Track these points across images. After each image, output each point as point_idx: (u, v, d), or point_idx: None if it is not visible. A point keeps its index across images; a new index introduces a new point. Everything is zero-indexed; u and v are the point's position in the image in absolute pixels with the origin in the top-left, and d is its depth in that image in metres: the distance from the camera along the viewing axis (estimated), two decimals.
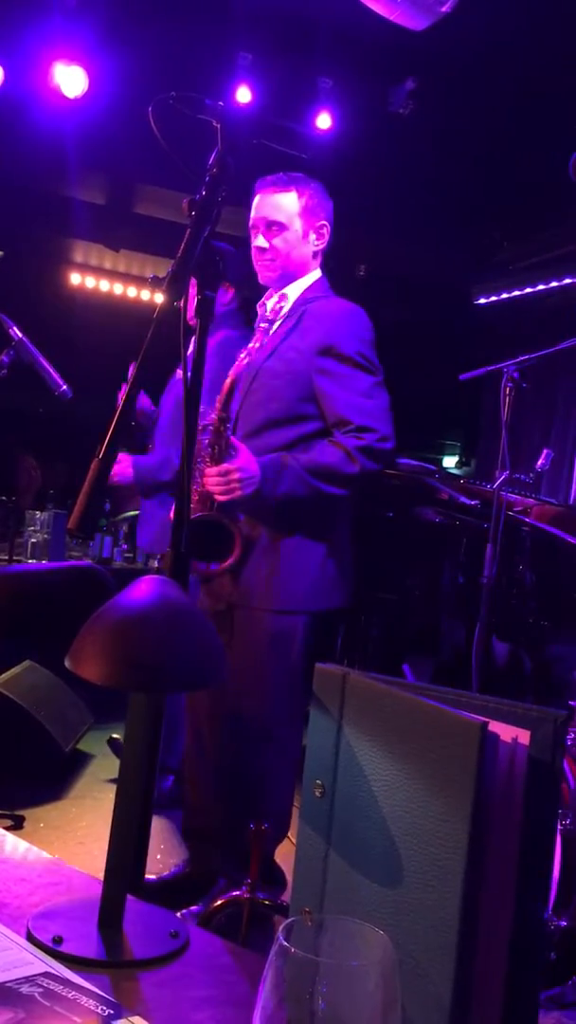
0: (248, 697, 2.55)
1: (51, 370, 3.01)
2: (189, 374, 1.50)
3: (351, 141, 5.07)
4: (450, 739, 0.76)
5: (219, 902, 1.92)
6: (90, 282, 7.18)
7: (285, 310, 2.67)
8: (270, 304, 2.71)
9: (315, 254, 2.72)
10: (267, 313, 2.70)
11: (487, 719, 0.75)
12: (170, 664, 0.87)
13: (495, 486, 3.72)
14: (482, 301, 6.05)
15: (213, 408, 2.41)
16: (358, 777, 0.86)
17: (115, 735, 3.88)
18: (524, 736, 0.77)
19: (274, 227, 2.64)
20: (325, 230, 2.71)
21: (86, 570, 1.15)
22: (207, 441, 2.42)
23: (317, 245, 2.70)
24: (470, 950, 0.74)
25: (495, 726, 0.76)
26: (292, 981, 0.75)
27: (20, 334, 2.97)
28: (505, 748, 0.76)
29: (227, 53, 4.99)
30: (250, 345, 2.59)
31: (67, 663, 0.90)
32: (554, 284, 5.65)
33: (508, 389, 3.73)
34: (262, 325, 2.69)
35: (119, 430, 1.45)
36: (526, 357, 3.71)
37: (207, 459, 2.41)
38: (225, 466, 2.37)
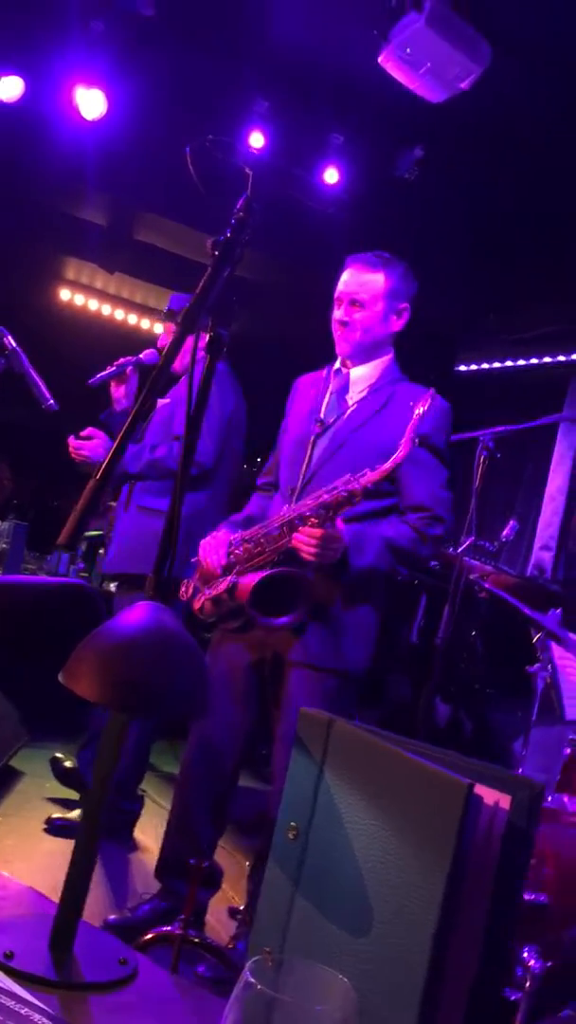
0: None
1: (41, 383, 3.03)
2: (193, 406, 1.52)
3: (354, 198, 5.17)
4: (435, 796, 0.78)
5: (149, 936, 1.91)
6: (79, 300, 7.20)
7: (363, 388, 2.79)
8: (356, 375, 2.81)
9: (392, 334, 2.83)
10: (346, 385, 2.82)
11: (472, 781, 0.78)
12: (162, 692, 0.88)
13: (460, 550, 3.77)
14: (462, 368, 6.17)
15: (361, 476, 2.44)
16: (335, 823, 0.88)
17: (58, 754, 3.82)
18: (505, 801, 0.79)
19: (356, 305, 2.75)
20: (405, 313, 2.82)
21: (78, 589, 1.15)
22: (329, 500, 2.45)
23: (396, 326, 2.81)
24: (433, 1005, 0.76)
25: (478, 788, 0.78)
26: (252, 1020, 0.76)
27: (14, 344, 2.98)
28: (487, 811, 0.78)
29: (245, 97, 5.09)
30: (324, 415, 2.75)
31: (61, 677, 0.91)
32: (534, 361, 5.78)
33: (483, 458, 3.81)
34: (346, 397, 2.80)
35: (118, 455, 1.46)
36: (503, 429, 3.79)
37: (313, 519, 2.46)
38: (330, 532, 2.45)
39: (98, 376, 3.73)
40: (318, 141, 5.15)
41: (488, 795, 0.78)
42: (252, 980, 0.78)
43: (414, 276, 2.86)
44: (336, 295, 2.80)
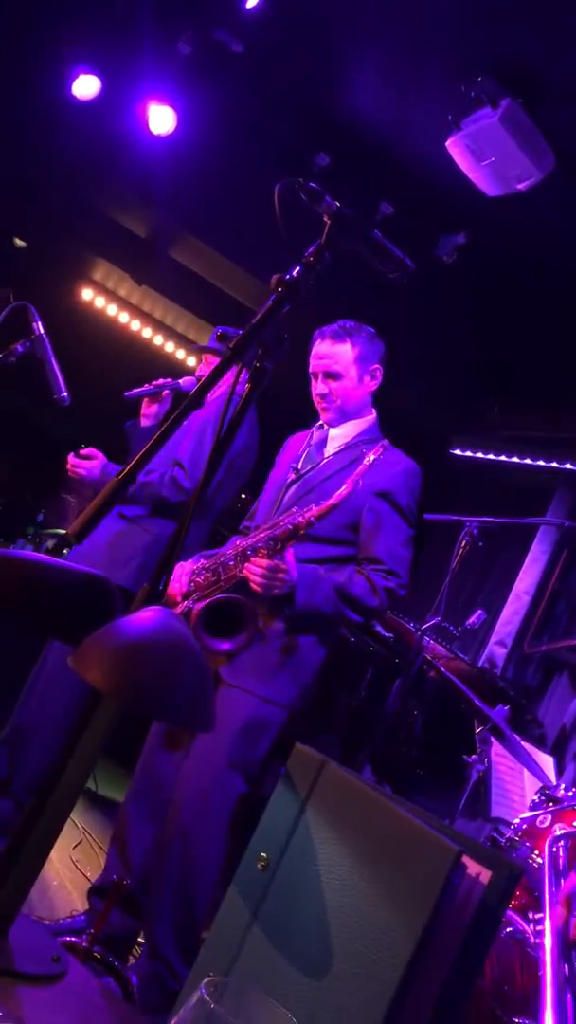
0: (209, 772, 2.58)
1: (59, 373, 3.04)
2: (224, 429, 1.55)
3: None
4: (421, 856, 0.79)
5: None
6: (100, 302, 7.23)
7: (339, 445, 2.94)
8: (334, 433, 2.97)
9: (369, 394, 3.00)
10: (325, 440, 2.97)
11: (461, 849, 0.79)
12: (174, 695, 0.89)
13: (423, 627, 3.81)
14: (457, 452, 6.26)
15: (307, 510, 2.55)
16: (308, 862, 0.88)
17: None
18: (485, 876, 0.81)
19: (331, 377, 2.92)
20: (378, 372, 2.98)
21: (100, 581, 1.14)
22: (277, 533, 2.55)
23: (371, 386, 2.98)
24: None
25: (464, 858, 0.80)
26: None
27: (42, 330, 3.00)
28: (467, 881, 0.80)
29: (308, 148, 5.19)
30: (300, 465, 2.92)
31: (70, 662, 0.92)
32: (528, 461, 5.88)
33: (464, 543, 3.87)
34: (322, 452, 2.94)
35: (141, 464, 1.49)
36: (491, 519, 3.86)
37: (263, 550, 2.55)
38: (276, 563, 2.53)
39: (135, 391, 3.81)
40: (369, 206, 5.26)
41: (472, 867, 0.80)
42: (207, 999, 0.78)
43: (379, 338, 3.02)
44: (311, 370, 2.98)
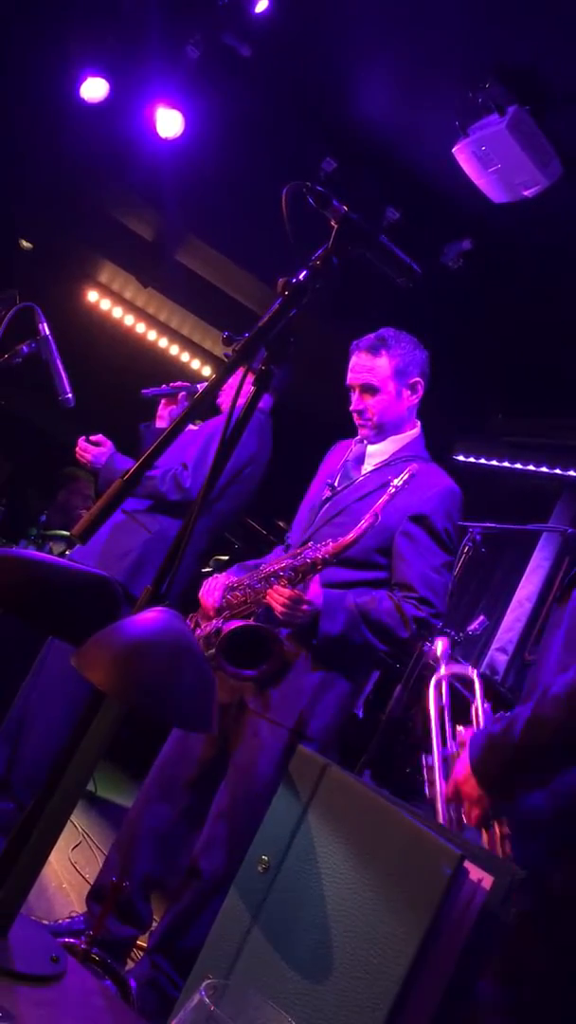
0: (239, 801, 2.56)
1: (63, 375, 3.05)
2: (229, 432, 1.55)
3: None
4: (424, 860, 0.79)
5: None
6: (105, 304, 7.23)
7: (377, 462, 2.82)
8: (372, 449, 2.86)
9: (410, 409, 2.86)
10: (363, 456, 2.87)
11: (463, 853, 0.79)
12: (175, 695, 0.89)
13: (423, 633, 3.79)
14: (460, 458, 6.26)
15: (325, 544, 2.51)
16: (309, 865, 0.88)
17: None
18: (487, 881, 0.80)
19: (367, 392, 2.80)
20: (419, 386, 2.84)
21: (102, 581, 1.14)
22: (297, 564, 2.52)
23: (411, 400, 2.84)
24: None
25: (466, 863, 0.80)
26: None
27: (47, 331, 3.00)
28: (470, 886, 0.79)
29: (314, 152, 5.20)
30: (336, 482, 2.81)
31: (73, 661, 0.92)
32: (531, 467, 5.88)
33: (467, 548, 3.87)
34: (359, 469, 2.85)
35: (146, 465, 1.50)
36: (494, 525, 3.86)
37: (284, 579, 2.52)
38: (298, 593, 2.48)
39: (152, 390, 3.83)
40: (374, 211, 5.27)
41: (474, 871, 0.80)
42: (207, 1001, 0.78)
43: (422, 346, 2.89)
44: (347, 383, 2.87)
